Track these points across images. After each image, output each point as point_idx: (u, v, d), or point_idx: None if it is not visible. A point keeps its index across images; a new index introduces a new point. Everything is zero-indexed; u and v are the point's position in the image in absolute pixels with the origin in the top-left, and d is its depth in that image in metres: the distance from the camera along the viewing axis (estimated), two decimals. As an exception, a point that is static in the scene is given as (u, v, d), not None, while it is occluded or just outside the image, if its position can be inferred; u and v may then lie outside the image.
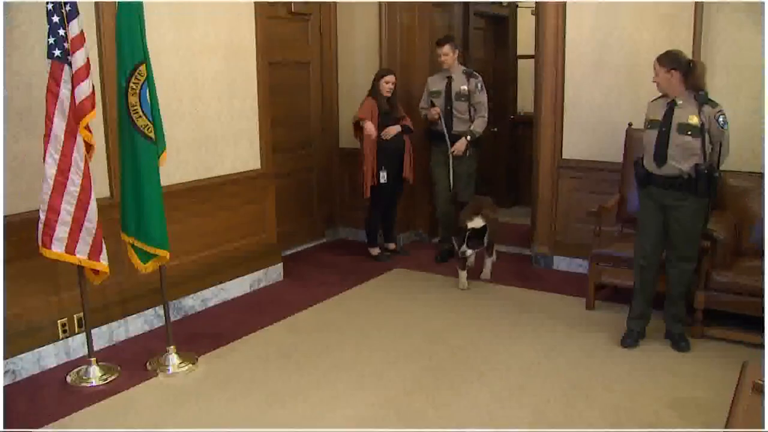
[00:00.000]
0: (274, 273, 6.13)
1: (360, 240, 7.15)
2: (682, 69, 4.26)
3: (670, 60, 4.28)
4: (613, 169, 5.67)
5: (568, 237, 6.24)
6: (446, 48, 6.27)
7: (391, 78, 6.35)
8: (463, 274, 5.87)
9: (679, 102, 4.28)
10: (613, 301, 5.41)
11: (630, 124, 5.50)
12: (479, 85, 6.36)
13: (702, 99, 4.24)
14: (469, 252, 5.70)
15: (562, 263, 6.32)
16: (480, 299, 5.56)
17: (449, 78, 6.38)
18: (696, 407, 3.80)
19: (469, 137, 6.30)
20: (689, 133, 4.23)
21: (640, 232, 4.59)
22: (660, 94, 4.46)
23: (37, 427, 3.68)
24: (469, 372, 4.28)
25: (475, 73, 6.46)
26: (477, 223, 5.68)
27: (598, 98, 5.91)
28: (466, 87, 6.33)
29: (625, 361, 4.39)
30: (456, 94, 6.33)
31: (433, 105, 6.45)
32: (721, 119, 4.22)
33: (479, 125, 6.37)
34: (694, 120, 4.22)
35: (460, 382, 4.15)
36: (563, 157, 6.16)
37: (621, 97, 5.79)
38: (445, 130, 6.38)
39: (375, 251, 6.76)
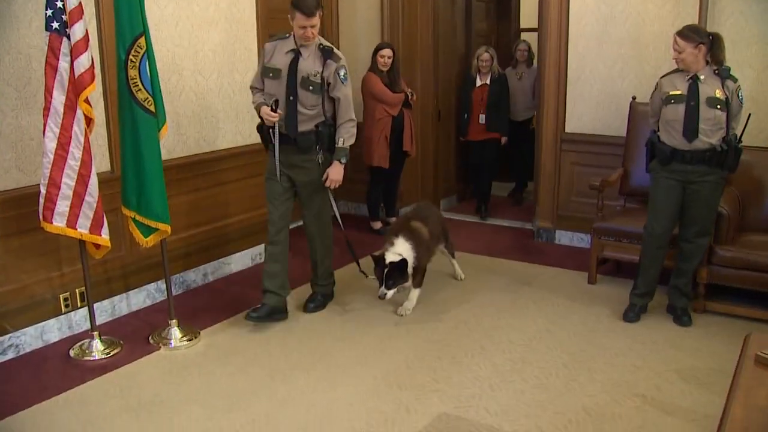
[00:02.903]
0: (277, 246, 6.11)
1: (362, 214, 7.14)
2: (708, 43, 4.21)
3: (697, 35, 4.20)
4: (617, 143, 5.63)
5: (570, 211, 6.22)
6: (316, 18, 4.26)
7: (387, 52, 6.30)
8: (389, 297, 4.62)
9: (702, 77, 4.23)
10: (614, 275, 5.41)
11: (634, 98, 5.46)
12: (342, 73, 4.42)
13: (725, 73, 4.21)
14: (390, 294, 4.53)
15: (564, 237, 6.30)
16: (482, 273, 5.56)
17: (296, 53, 4.39)
18: (697, 380, 3.81)
19: (343, 160, 4.48)
20: (718, 107, 4.18)
21: (652, 211, 4.51)
22: (671, 69, 4.41)
23: (40, 401, 3.70)
24: (471, 345, 4.28)
25: (336, 52, 4.46)
26: (400, 250, 4.55)
27: (602, 71, 5.86)
28: (318, 72, 4.38)
29: (627, 334, 4.39)
30: (302, 80, 4.38)
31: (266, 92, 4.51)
32: (740, 94, 4.23)
33: (348, 137, 4.50)
34: (719, 94, 4.18)
35: (461, 355, 4.16)
36: (566, 131, 6.12)
37: (625, 70, 5.74)
38: (276, 133, 4.39)
39: (377, 225, 6.76)
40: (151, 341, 4.41)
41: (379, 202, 6.83)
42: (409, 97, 6.44)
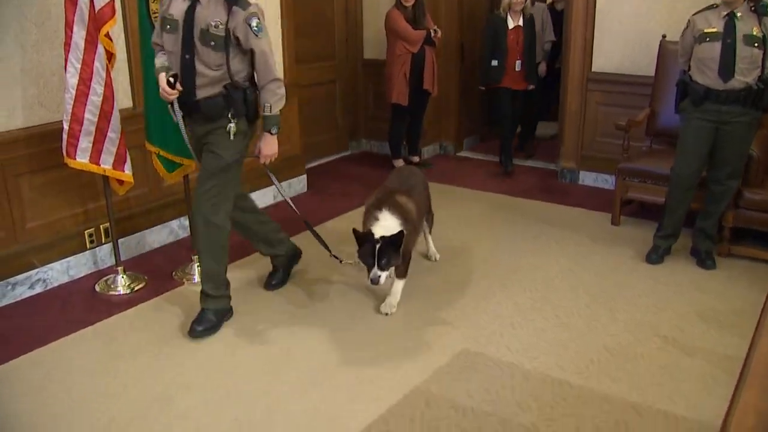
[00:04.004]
0: (298, 184, 6.13)
1: (384, 153, 7.11)
2: None
3: None
4: (644, 83, 5.52)
5: (594, 152, 6.14)
6: None
7: None
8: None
9: (739, 13, 4.09)
10: (638, 216, 5.36)
11: (664, 36, 5.32)
12: (253, 23, 3.46)
13: (762, 10, 4.08)
14: (384, 277, 3.68)
15: (588, 178, 6.24)
16: (505, 212, 5.53)
17: (193, 1, 3.47)
18: (720, 322, 3.79)
19: (274, 131, 3.72)
20: (755, 45, 4.05)
21: (681, 152, 4.40)
22: (705, 5, 4.28)
23: (68, 333, 3.77)
24: (492, 284, 4.29)
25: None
26: (389, 225, 3.73)
27: (631, 8, 5.70)
28: (222, 22, 3.44)
29: (650, 276, 4.37)
30: (201, 33, 3.45)
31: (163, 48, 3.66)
32: None
33: (275, 100, 3.65)
34: (756, 31, 4.05)
35: (483, 293, 4.17)
36: (593, 70, 6.00)
37: (655, 6, 5.58)
38: (176, 109, 3.61)
39: (399, 164, 6.72)
40: (175, 277, 4.46)
41: (402, 140, 6.78)
42: (432, 35, 6.32)
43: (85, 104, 3.89)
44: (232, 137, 3.57)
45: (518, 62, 6.41)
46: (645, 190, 5.02)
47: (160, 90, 3.52)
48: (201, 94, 3.50)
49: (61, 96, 4.01)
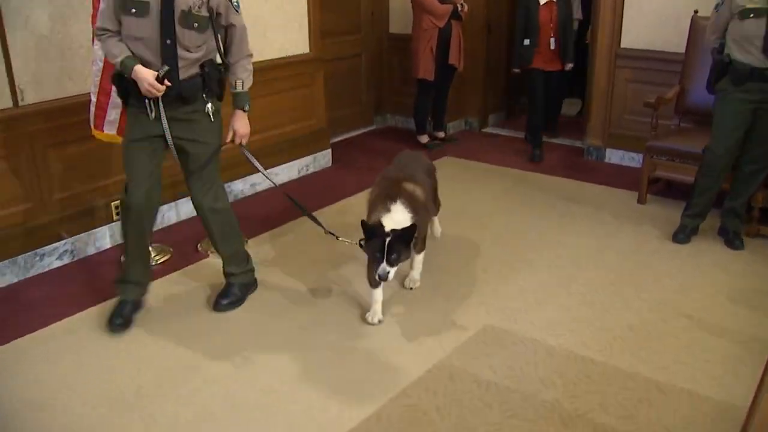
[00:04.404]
0: (323, 158, 6.13)
1: (409, 128, 7.09)
2: None
3: None
4: (674, 60, 5.43)
5: (622, 129, 6.07)
6: None
7: None
8: (378, 295, 3.63)
9: None
10: (665, 196, 5.30)
11: (696, 12, 5.22)
12: None
13: None
14: (393, 273, 3.38)
15: (614, 156, 6.18)
16: (530, 189, 5.50)
17: None
18: (747, 303, 3.75)
19: (247, 107, 3.58)
20: None
21: (717, 131, 4.30)
22: None
23: (95, 304, 3.82)
24: (517, 259, 4.28)
25: None
26: (400, 218, 3.47)
27: (663, -18, 5.61)
28: (203, 2, 3.26)
29: (676, 255, 4.33)
30: (183, 16, 3.20)
31: (118, 34, 3.28)
32: None
33: (247, 76, 3.55)
34: None
35: (508, 269, 4.16)
36: (622, 46, 5.91)
37: (687, -19, 5.48)
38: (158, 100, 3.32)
39: (424, 139, 6.70)
40: (200, 249, 4.49)
41: (427, 115, 6.74)
42: (459, 9, 6.26)
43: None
44: (212, 119, 3.46)
45: (552, 40, 6.10)
46: (673, 169, 4.96)
47: (146, 85, 3.18)
48: (183, 75, 3.30)
49: (88, 68, 4.02)
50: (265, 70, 5.34)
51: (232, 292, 3.79)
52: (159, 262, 4.33)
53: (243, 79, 3.50)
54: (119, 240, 4.57)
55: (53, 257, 4.28)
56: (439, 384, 3.06)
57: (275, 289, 3.96)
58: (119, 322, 3.53)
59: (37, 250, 4.17)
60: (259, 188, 5.53)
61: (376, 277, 3.37)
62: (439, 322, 3.59)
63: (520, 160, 6.24)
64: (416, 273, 3.96)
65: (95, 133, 4.01)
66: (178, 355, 3.32)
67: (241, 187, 5.39)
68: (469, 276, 4.08)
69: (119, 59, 3.22)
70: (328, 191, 5.46)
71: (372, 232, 3.40)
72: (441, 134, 6.84)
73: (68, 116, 4.15)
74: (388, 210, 3.49)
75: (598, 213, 4.99)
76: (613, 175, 5.80)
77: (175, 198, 4.92)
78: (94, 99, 3.94)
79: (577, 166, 6.10)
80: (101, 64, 3.84)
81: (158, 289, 3.96)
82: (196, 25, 3.24)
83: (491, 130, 7.42)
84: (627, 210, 5.05)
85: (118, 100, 3.91)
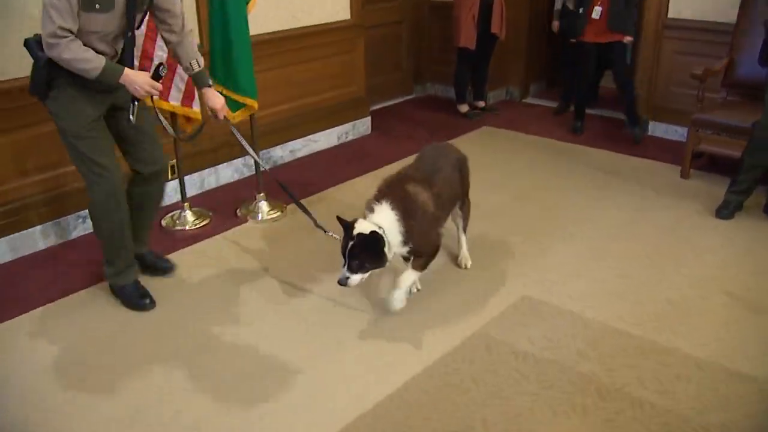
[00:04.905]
0: (362, 126, 6.12)
1: (448, 97, 7.04)
2: None
3: None
4: (724, 30, 5.29)
5: (667, 102, 5.95)
6: None
7: None
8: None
9: None
10: (709, 171, 5.19)
11: (748, -20, 5.08)
12: None
13: None
14: (355, 281, 3.07)
15: (658, 129, 6.07)
16: (570, 161, 5.44)
17: None
18: (791, 281, 3.69)
19: (212, 82, 3.55)
20: None
21: None
22: None
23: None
24: (556, 230, 4.25)
25: None
26: (382, 221, 3.09)
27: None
28: None
29: (718, 232, 4.25)
30: (140, 5, 3.11)
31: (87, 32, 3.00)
32: None
33: (196, 51, 3.43)
34: None
35: (547, 239, 4.14)
36: (669, 16, 5.77)
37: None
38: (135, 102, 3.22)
39: (463, 108, 6.64)
40: (239, 214, 4.52)
41: (467, 84, 6.68)
42: None
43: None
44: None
45: (597, 9, 5.70)
46: (719, 143, 4.86)
47: (147, 87, 3.09)
48: (137, 64, 3.37)
49: (131, 32, 4.04)
50: (305, 36, 5.35)
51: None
52: (198, 225, 4.37)
53: (197, 58, 3.40)
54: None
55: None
56: (476, 353, 3.06)
57: (315, 252, 3.99)
58: (148, 300, 3.48)
59: (80, 213, 4.24)
60: (298, 154, 5.54)
61: (337, 283, 3.08)
62: (477, 292, 3.58)
63: (560, 132, 6.16)
64: (398, 293, 3.26)
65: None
66: (215, 318, 3.38)
67: (280, 153, 5.41)
68: (508, 247, 4.06)
69: (100, 65, 2.95)
70: (367, 159, 5.45)
71: (345, 231, 3.10)
72: (481, 104, 6.78)
73: (112, 79, 4.19)
74: (372, 210, 3.14)
75: (638, 186, 4.92)
76: (656, 149, 5.70)
77: (216, 163, 4.96)
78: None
79: (619, 139, 5.99)
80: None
81: (197, 253, 4.02)
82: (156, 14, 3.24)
83: (532, 101, 7.33)
84: (669, 184, 4.97)
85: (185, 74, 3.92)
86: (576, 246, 4.07)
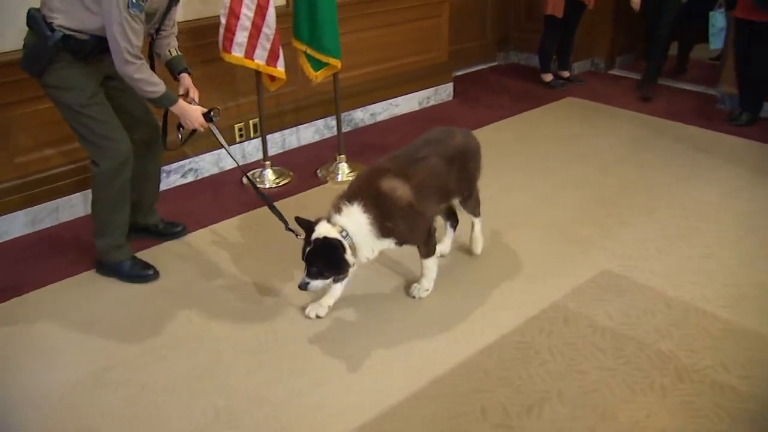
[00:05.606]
0: (444, 92, 6.06)
1: (532, 65, 6.90)
2: None
3: None
4: None
5: (762, 76, 5.67)
6: None
7: None
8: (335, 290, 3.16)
9: None
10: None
11: None
12: None
13: None
14: (314, 287, 2.90)
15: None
16: (657, 137, 5.25)
17: None
18: None
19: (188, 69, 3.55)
20: None
21: None
22: None
23: (219, 221, 3.97)
24: (640, 207, 4.12)
25: None
26: (349, 224, 2.86)
27: None
28: None
29: (816, 216, 4.05)
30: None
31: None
32: None
33: (175, 39, 3.50)
34: None
35: (630, 215, 4.02)
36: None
37: None
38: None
39: (548, 78, 6.50)
40: (319, 174, 4.56)
41: (552, 53, 6.52)
42: None
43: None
44: None
45: None
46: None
47: (197, 124, 3.36)
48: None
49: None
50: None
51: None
52: (279, 184, 4.43)
53: (175, 46, 3.44)
54: (240, 161, 4.66)
55: (178, 175, 4.47)
56: (554, 325, 3.02)
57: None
58: (151, 272, 3.46)
59: (164, 167, 4.29)
60: (379, 118, 5.53)
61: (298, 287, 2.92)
62: (557, 263, 3.53)
63: (646, 105, 5.95)
64: (427, 283, 3.23)
65: (223, 55, 4.09)
66: (288, 271, 3.41)
67: (361, 116, 5.41)
68: (589, 220, 3.97)
69: (161, 90, 3.14)
70: (448, 124, 5.32)
71: (306, 232, 2.90)
72: (566, 74, 6.62)
73: (199, 38, 4.28)
74: (338, 210, 2.87)
75: (730, 165, 4.72)
76: (750, 127, 5.45)
77: (298, 123, 4.99)
78: (223, 21, 4.01)
79: (709, 115, 5.75)
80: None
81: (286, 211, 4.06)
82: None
83: (618, 72, 7.11)
84: (762, 164, 4.74)
85: (247, 23, 3.99)
86: (660, 222, 3.95)
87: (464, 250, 3.64)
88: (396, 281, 3.38)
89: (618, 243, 3.73)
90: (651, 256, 3.59)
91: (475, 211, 3.46)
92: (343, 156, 4.57)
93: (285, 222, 3.23)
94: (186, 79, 3.47)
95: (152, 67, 3.25)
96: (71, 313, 3.20)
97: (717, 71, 6.17)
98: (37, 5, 3.06)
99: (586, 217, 4.01)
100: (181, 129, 3.43)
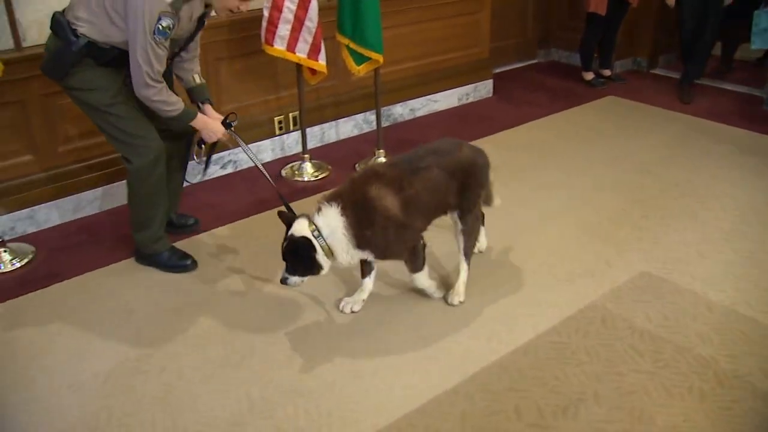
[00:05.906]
0: (484, 89, 6.03)
1: (573, 63, 6.82)
2: None
3: None
4: None
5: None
6: None
7: None
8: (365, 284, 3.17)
9: None
10: None
11: None
12: None
13: None
14: (294, 282, 2.87)
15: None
16: (698, 136, 5.16)
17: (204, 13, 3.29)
18: None
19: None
20: None
21: None
22: None
23: (257, 212, 4.01)
24: (681, 209, 4.06)
25: None
26: (324, 225, 2.79)
27: None
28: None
29: None
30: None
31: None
32: None
33: (198, 65, 3.51)
34: None
35: (670, 218, 3.96)
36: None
37: None
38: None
39: (588, 76, 6.43)
40: (357, 169, 4.56)
41: (594, 51, 6.44)
42: None
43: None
44: None
45: None
46: None
47: (219, 135, 3.40)
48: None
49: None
50: (433, -6, 5.30)
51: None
52: (318, 177, 4.45)
53: (198, 72, 3.44)
54: (279, 154, 4.72)
55: (217, 166, 4.50)
56: (591, 326, 2.99)
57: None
58: (189, 261, 3.51)
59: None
60: (418, 113, 5.53)
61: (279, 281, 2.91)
62: (594, 264, 3.50)
63: (689, 106, 5.86)
64: (458, 285, 3.20)
65: (265, 47, 4.11)
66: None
67: (400, 111, 5.40)
68: (628, 221, 3.93)
69: (180, 108, 3.16)
70: (486, 122, 5.37)
71: (286, 227, 2.88)
72: (607, 72, 6.54)
73: (242, 30, 4.32)
74: (319, 209, 2.83)
75: (775, 168, 4.63)
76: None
77: (338, 117, 5.00)
78: (266, 14, 4.03)
79: (755, 117, 5.64)
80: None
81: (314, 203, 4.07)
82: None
83: (661, 72, 7.01)
84: (810, 168, 4.65)
85: (290, 16, 4.01)
86: (701, 225, 3.89)
87: (500, 248, 3.62)
88: (434, 279, 3.37)
89: (658, 245, 3.68)
90: (692, 259, 3.53)
91: (467, 240, 3.17)
92: (381, 151, 4.57)
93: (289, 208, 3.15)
94: (209, 110, 3.46)
95: (170, 86, 3.23)
96: (110, 300, 3.26)
97: (764, 72, 6.04)
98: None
99: (624, 218, 3.96)
100: (202, 146, 3.43)
